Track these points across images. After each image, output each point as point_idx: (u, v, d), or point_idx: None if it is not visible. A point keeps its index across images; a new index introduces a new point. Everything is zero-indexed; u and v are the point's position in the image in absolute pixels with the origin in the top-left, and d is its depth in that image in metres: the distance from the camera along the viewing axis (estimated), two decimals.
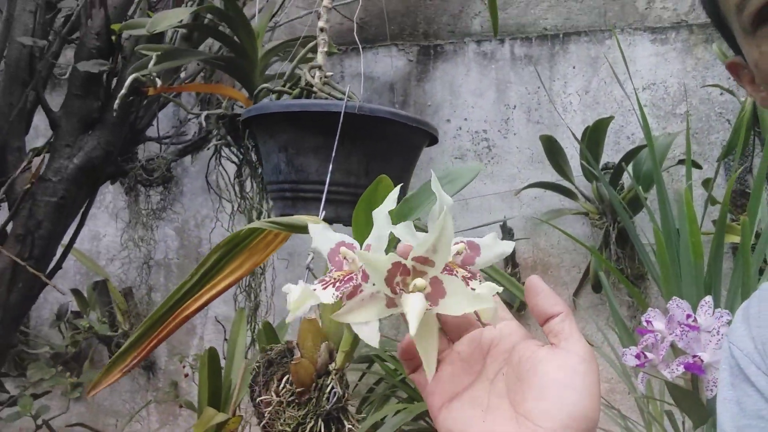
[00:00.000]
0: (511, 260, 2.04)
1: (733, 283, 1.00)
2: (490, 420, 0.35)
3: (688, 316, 0.85)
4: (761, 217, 1.14)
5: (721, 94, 1.94)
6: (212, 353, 0.84)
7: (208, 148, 1.16)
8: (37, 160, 1.14)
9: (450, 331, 0.40)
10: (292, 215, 0.80)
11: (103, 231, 2.60)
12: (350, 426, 0.50)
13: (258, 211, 1.18)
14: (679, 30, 2.06)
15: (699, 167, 1.84)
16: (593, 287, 1.97)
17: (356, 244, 0.38)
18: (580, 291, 2.03)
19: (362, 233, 0.49)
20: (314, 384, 0.51)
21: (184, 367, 2.13)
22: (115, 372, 0.54)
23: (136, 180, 1.49)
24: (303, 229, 0.59)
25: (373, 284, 0.34)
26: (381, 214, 0.39)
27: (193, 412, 2.24)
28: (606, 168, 1.94)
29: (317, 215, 0.74)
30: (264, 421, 0.52)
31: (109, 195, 2.54)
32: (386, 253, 0.37)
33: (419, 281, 0.34)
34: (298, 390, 0.52)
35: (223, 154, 1.18)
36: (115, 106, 1.01)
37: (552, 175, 1.97)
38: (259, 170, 1.20)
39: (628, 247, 1.87)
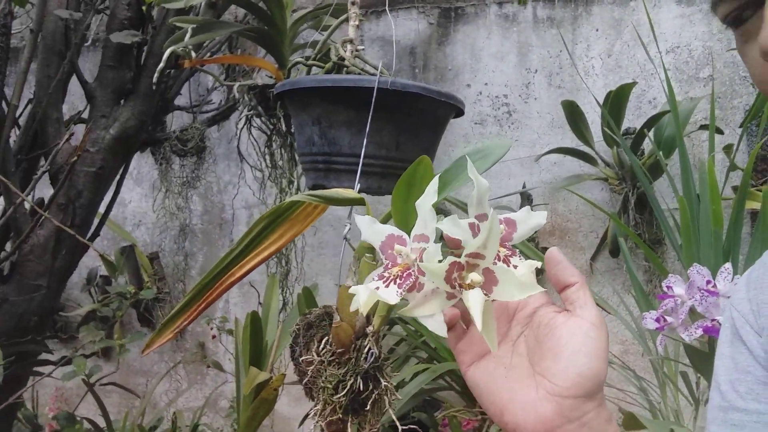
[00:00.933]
0: None
1: (751, 250, 1.02)
2: (512, 376, 0.41)
3: (708, 282, 0.89)
4: None
5: None
6: (254, 316, 0.90)
7: (239, 119, 1.19)
8: (78, 132, 1.18)
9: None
10: (325, 186, 0.84)
11: (128, 197, 2.66)
12: (386, 383, 0.54)
13: (288, 179, 1.22)
14: None
15: (721, 132, 1.84)
16: (611, 252, 2.00)
17: (405, 236, 0.41)
18: (598, 256, 2.06)
19: (401, 210, 0.52)
20: (353, 345, 0.55)
21: (211, 329, 2.22)
22: (167, 333, 0.59)
23: (171, 150, 1.52)
24: (340, 202, 0.62)
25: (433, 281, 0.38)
26: (425, 208, 0.41)
27: (219, 372, 2.35)
28: (627, 133, 1.94)
29: (349, 186, 0.77)
30: (306, 379, 0.56)
31: (133, 161, 2.59)
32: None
33: (475, 276, 0.37)
34: (338, 350, 0.56)
35: (253, 124, 1.21)
36: (154, 79, 1.03)
37: (572, 141, 1.98)
38: (289, 140, 1.23)
39: (646, 212, 1.89)
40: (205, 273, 0.65)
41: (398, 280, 0.39)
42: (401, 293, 0.38)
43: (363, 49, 0.89)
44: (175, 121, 1.76)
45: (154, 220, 2.65)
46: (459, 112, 0.90)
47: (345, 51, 0.82)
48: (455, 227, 0.40)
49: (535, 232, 2.07)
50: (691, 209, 1.11)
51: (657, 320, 0.92)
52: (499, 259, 0.41)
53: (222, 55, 1.20)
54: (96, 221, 1.38)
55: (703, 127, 1.90)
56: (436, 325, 0.39)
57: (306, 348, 0.57)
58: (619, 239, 1.36)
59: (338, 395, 0.52)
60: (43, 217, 1.18)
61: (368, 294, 0.38)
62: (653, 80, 2.03)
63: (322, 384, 0.54)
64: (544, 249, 2.03)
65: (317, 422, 0.56)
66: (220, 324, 2.17)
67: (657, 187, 1.89)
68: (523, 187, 2.05)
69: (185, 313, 0.58)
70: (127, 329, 2.61)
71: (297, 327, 0.62)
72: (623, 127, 1.95)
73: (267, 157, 1.23)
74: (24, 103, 1.30)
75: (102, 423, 1.84)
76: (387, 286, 0.39)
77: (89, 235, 1.31)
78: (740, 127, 1.72)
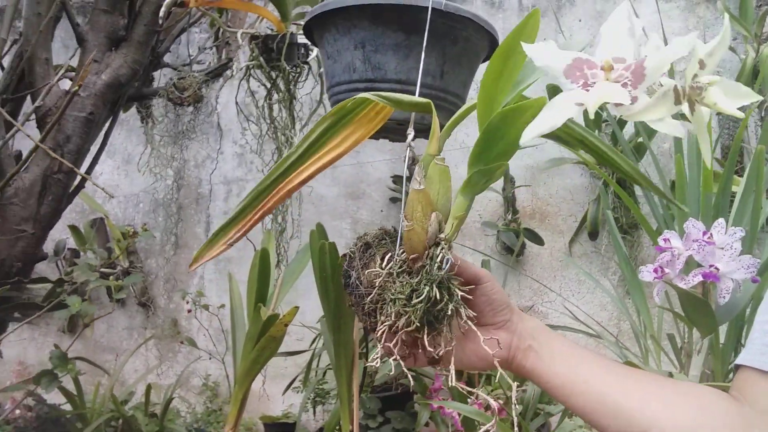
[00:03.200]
0: (511, 207, 2.11)
1: (738, 210, 1.07)
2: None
3: (704, 233, 0.92)
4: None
5: None
6: (263, 254, 0.87)
7: (239, 70, 1.16)
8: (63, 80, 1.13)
9: (482, 309, 0.57)
10: None
11: (99, 169, 2.57)
12: (459, 294, 0.52)
13: (286, 136, 1.20)
14: None
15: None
16: (589, 235, 2.05)
17: (593, 59, 0.40)
18: (576, 238, 2.11)
19: (489, 89, 0.50)
20: (426, 253, 0.52)
21: (187, 302, 2.16)
22: (218, 245, 0.55)
23: (167, 98, 1.47)
24: (406, 105, 0.58)
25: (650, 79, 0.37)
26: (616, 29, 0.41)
27: (193, 348, 2.29)
28: (606, 121, 1.99)
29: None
30: (368, 299, 0.54)
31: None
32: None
33: (706, 78, 0.38)
34: (412, 257, 0.53)
35: (252, 75, 1.19)
36: (161, 13, 1.01)
37: None
38: (288, 96, 1.22)
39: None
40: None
41: (625, 81, 0.37)
42: (634, 94, 0.37)
43: None
44: (162, 80, 1.72)
45: (126, 194, 2.57)
46: (490, 53, 0.89)
47: None
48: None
49: (517, 213, 2.10)
50: (681, 175, 1.15)
51: (654, 271, 0.95)
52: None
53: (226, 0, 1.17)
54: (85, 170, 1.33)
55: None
56: (669, 127, 0.39)
57: (365, 268, 0.54)
58: (607, 212, 1.39)
59: (413, 302, 0.49)
60: (29, 160, 1.13)
61: (560, 101, 0.37)
62: None
63: (392, 296, 0.51)
64: (526, 229, 2.07)
65: (383, 345, 0.53)
66: (196, 298, 2.12)
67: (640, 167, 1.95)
68: (507, 171, 2.08)
69: (239, 224, 0.55)
70: (95, 303, 2.52)
71: (351, 250, 0.57)
72: (605, 112, 2.01)
73: (266, 111, 1.21)
74: (9, 43, 1.24)
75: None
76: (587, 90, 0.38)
77: (75, 183, 1.27)
78: (717, 114, 1.79)
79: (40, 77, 1.19)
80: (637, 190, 1.98)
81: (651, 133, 1.85)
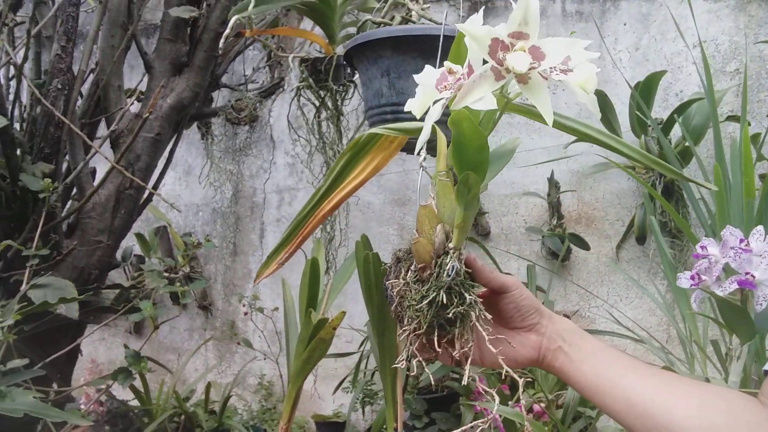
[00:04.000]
0: (556, 212, 2.12)
1: None
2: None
3: (741, 240, 0.93)
4: None
5: None
6: (314, 263, 0.95)
7: (290, 90, 1.25)
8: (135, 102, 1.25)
9: (512, 315, 0.63)
10: None
11: (163, 181, 2.75)
12: (472, 298, 0.56)
13: (334, 150, 1.28)
14: None
15: (748, 124, 1.87)
16: (637, 239, 2.03)
17: (462, 27, 0.46)
18: (623, 244, 2.10)
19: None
20: (434, 262, 0.57)
21: (243, 305, 2.29)
22: (272, 265, 0.64)
23: (226, 118, 1.59)
24: (415, 132, 0.66)
25: (477, 58, 0.42)
26: (468, 26, 0.46)
27: (249, 349, 2.41)
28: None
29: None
30: (394, 305, 0.60)
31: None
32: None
33: (519, 44, 0.42)
34: (420, 266, 0.58)
35: (302, 95, 1.28)
36: (221, 44, 1.11)
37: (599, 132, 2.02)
38: (336, 112, 1.29)
39: (672, 201, 1.93)
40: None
41: (451, 86, 0.45)
42: (453, 92, 0.43)
43: (429, 7, 0.95)
44: (220, 99, 1.84)
45: (187, 203, 2.73)
46: None
47: (414, 4, 0.88)
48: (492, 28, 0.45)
49: (562, 219, 2.11)
50: (725, 180, 1.16)
51: (692, 278, 0.97)
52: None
53: (280, 28, 1.26)
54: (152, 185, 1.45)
55: (729, 118, 1.94)
56: (487, 103, 0.43)
57: (396, 278, 0.60)
58: (650, 217, 1.40)
59: (420, 307, 0.54)
60: (105, 179, 1.25)
61: (422, 93, 0.44)
62: (680, 73, 2.08)
63: (407, 303, 0.57)
64: (572, 235, 2.08)
65: (407, 346, 0.59)
66: (252, 302, 2.24)
67: (686, 173, 1.93)
68: (551, 175, 2.10)
69: (285, 247, 0.63)
70: (158, 307, 2.69)
71: (388, 264, 0.63)
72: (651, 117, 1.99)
73: (315, 127, 1.29)
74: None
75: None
76: (441, 93, 0.44)
77: (144, 197, 1.39)
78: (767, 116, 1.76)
79: (114, 102, 1.32)
80: (685, 194, 1.96)
81: (698, 137, 1.83)
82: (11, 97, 1.20)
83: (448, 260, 0.58)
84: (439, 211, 0.61)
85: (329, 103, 1.30)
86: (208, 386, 2.04)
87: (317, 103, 1.30)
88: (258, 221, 2.55)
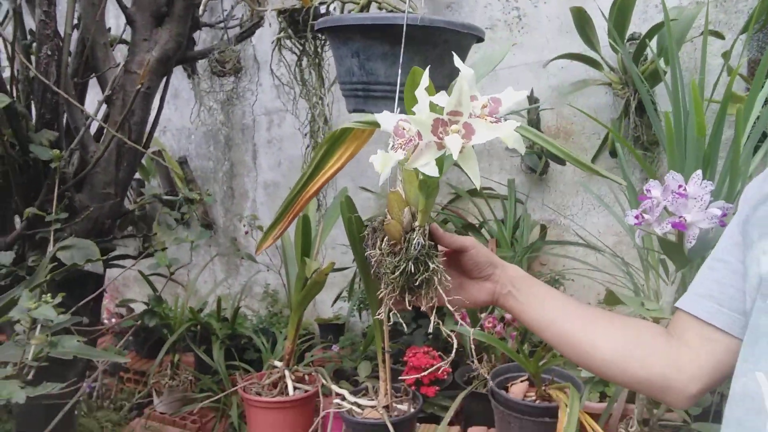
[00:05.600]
0: (536, 128, 2.20)
1: (730, 153, 1.18)
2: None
3: (680, 186, 1.06)
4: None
5: None
6: (305, 219, 1.08)
7: (272, 42, 1.30)
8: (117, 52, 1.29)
9: (471, 269, 0.74)
10: (364, 110, 0.99)
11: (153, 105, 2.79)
12: (434, 265, 0.70)
13: (318, 96, 1.35)
14: None
15: (722, 38, 1.91)
16: (610, 153, 2.14)
17: (408, 117, 0.57)
18: (599, 156, 2.21)
19: (411, 100, 0.66)
20: (402, 238, 0.70)
21: (243, 225, 2.45)
22: (269, 239, 0.77)
23: (211, 71, 1.63)
24: (378, 124, 0.76)
25: (424, 136, 0.54)
26: (420, 93, 0.57)
27: (252, 262, 2.61)
28: (632, 39, 2.01)
29: (387, 110, 0.92)
30: (373, 269, 0.74)
31: None
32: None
33: (454, 127, 0.54)
34: (392, 242, 0.71)
35: (283, 45, 1.33)
36: (202, 13, 1.14)
37: (580, 46, 2.05)
38: (317, 59, 1.35)
39: (645, 116, 2.01)
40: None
41: (404, 146, 0.56)
42: (405, 153, 0.56)
43: None
44: (200, 37, 1.84)
45: (178, 127, 2.79)
46: (479, 39, 1.02)
47: None
48: (443, 99, 0.56)
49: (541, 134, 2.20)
50: (678, 119, 1.26)
51: (636, 217, 1.11)
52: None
53: None
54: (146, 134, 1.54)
55: (711, 33, 1.96)
56: (430, 169, 0.56)
57: (373, 246, 0.73)
58: (616, 144, 1.50)
59: (393, 276, 0.69)
60: (106, 133, 1.33)
61: (382, 156, 0.56)
62: None
63: (383, 271, 0.70)
64: (549, 151, 2.18)
65: (385, 303, 0.73)
66: (251, 221, 2.39)
67: (659, 91, 2.00)
68: (531, 92, 2.16)
69: (279, 225, 0.75)
70: (162, 226, 2.86)
71: (366, 233, 0.75)
72: (629, 31, 2.01)
73: (297, 75, 1.36)
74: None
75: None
76: (396, 151, 0.56)
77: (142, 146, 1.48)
78: (740, 34, 1.80)
79: (102, 61, 1.36)
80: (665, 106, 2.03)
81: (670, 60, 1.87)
82: (4, 64, 1.25)
83: (414, 236, 0.71)
84: (405, 195, 0.74)
85: (310, 51, 1.35)
86: (219, 300, 2.26)
87: (298, 52, 1.35)
88: (250, 143, 2.63)
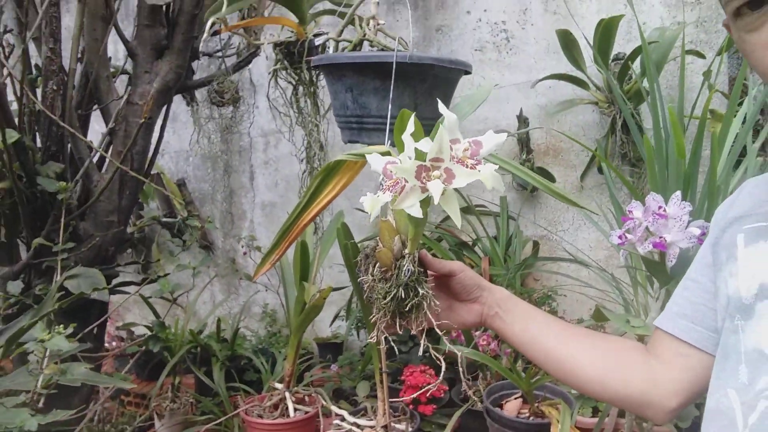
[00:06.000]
0: (525, 146, 2.26)
1: (709, 174, 1.23)
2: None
3: (660, 207, 1.11)
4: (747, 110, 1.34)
5: None
6: (303, 245, 1.13)
7: (269, 73, 1.35)
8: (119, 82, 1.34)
9: (459, 292, 0.77)
10: (357, 142, 1.04)
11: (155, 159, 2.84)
12: (423, 291, 0.75)
13: (313, 123, 1.41)
14: None
15: (702, 57, 1.98)
16: (599, 169, 2.20)
17: (398, 161, 0.62)
18: (587, 173, 2.26)
19: (400, 143, 0.71)
20: (393, 265, 0.75)
21: (242, 246, 2.49)
22: (267, 264, 0.81)
23: (210, 101, 1.68)
24: None
25: (408, 181, 0.59)
26: (406, 138, 0.62)
27: (251, 283, 2.64)
28: (617, 59, 2.07)
29: (379, 142, 0.97)
30: (366, 294, 0.78)
31: None
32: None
33: (435, 173, 0.59)
34: (383, 269, 0.75)
35: (279, 75, 1.38)
36: (200, 44, 1.20)
37: (567, 66, 2.12)
38: (312, 88, 1.40)
39: (632, 133, 2.07)
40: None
41: (391, 188, 0.61)
42: (392, 195, 0.60)
43: (384, 23, 1.05)
44: (198, 64, 1.90)
45: (177, 149, 2.84)
46: (467, 72, 1.08)
47: (369, 28, 0.99)
48: (428, 145, 0.61)
49: (531, 152, 2.26)
50: (658, 139, 1.31)
51: (620, 237, 1.16)
52: (465, 166, 0.62)
53: (252, 18, 1.33)
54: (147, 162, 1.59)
55: (688, 51, 2.03)
56: (415, 211, 0.62)
57: (366, 273, 0.78)
58: (602, 163, 1.56)
59: (385, 301, 0.73)
60: (109, 164, 1.38)
61: (371, 199, 0.60)
62: (644, 5, 2.13)
63: (375, 296, 0.74)
64: (540, 169, 2.24)
65: (377, 326, 0.77)
66: (249, 242, 2.44)
67: (644, 108, 2.06)
68: (520, 112, 2.22)
69: (276, 250, 0.80)
70: (162, 248, 2.89)
71: (359, 258, 0.79)
72: (614, 51, 2.08)
73: (294, 104, 1.41)
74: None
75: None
76: (384, 193, 0.61)
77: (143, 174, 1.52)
78: (717, 54, 1.86)
79: (105, 93, 1.42)
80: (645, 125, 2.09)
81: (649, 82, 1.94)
82: (11, 98, 1.30)
83: (404, 263, 0.76)
84: (396, 223, 0.78)
85: (306, 79, 1.41)
86: (219, 321, 2.29)
87: (294, 82, 1.41)
88: (247, 164, 2.68)
